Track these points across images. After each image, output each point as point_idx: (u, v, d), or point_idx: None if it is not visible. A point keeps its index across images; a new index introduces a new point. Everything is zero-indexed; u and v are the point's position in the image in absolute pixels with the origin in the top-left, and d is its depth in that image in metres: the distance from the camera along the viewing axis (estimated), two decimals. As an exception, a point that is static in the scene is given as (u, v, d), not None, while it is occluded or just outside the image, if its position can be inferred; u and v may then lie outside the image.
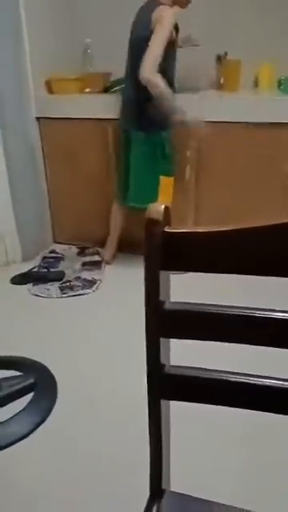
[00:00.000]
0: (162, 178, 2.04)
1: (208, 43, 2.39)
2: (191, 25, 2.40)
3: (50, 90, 2.37)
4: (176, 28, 1.88)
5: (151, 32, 1.75)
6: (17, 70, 2.16)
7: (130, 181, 2.08)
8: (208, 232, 0.53)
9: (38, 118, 2.37)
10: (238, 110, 2.05)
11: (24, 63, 2.20)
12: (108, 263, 2.39)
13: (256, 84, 2.40)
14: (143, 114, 1.92)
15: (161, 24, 1.73)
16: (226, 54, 2.37)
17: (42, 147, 2.45)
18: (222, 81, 2.35)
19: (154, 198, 2.01)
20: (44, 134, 2.42)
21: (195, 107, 1.98)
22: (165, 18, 1.74)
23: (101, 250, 2.47)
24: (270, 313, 0.53)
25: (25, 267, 2.35)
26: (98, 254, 2.48)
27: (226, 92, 2.27)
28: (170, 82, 1.88)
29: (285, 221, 0.49)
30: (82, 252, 2.51)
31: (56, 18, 2.36)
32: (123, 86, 2.03)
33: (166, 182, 2.04)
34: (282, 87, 2.20)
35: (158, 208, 0.54)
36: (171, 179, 2.06)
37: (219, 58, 2.39)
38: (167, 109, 1.85)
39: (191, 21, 2.40)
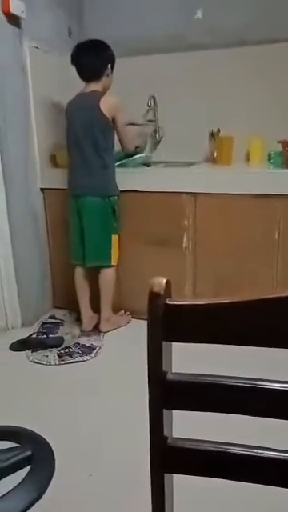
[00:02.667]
0: (113, 236, 2.27)
1: (201, 120, 2.60)
2: (187, 103, 2.64)
3: (55, 164, 2.52)
4: None
5: (105, 118, 2.10)
6: (25, 147, 2.32)
7: (87, 243, 2.25)
8: (208, 304, 0.56)
9: (42, 189, 2.50)
10: (231, 183, 2.17)
11: (31, 141, 2.38)
12: (86, 330, 2.39)
13: (248, 158, 2.56)
14: (103, 183, 2.20)
15: (119, 112, 2.14)
16: (218, 130, 2.55)
17: (46, 216, 2.55)
18: (215, 155, 2.50)
19: (108, 256, 2.27)
20: (48, 204, 2.53)
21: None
22: (118, 105, 2.14)
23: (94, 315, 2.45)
24: (275, 384, 0.54)
25: (24, 333, 2.35)
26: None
27: (219, 165, 2.41)
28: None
29: (283, 294, 0.53)
30: (80, 317, 2.51)
31: (60, 100, 2.56)
32: (78, 161, 2.20)
33: (116, 240, 2.28)
34: (271, 161, 2.34)
35: (160, 281, 0.57)
36: (117, 237, 2.31)
37: (212, 135, 2.57)
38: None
39: (186, 100, 2.64)
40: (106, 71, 2.16)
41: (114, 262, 2.29)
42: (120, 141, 2.23)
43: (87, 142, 2.13)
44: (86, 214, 2.22)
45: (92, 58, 2.13)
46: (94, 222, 2.22)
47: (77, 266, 2.36)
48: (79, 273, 2.37)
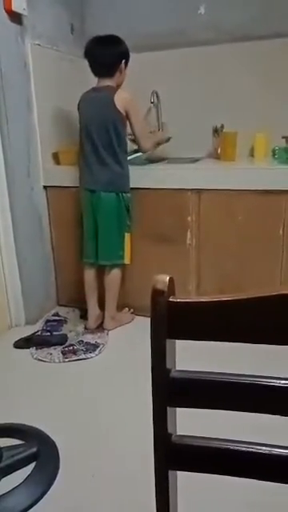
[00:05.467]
0: (126, 234, 2.26)
1: (204, 116, 2.59)
2: (190, 99, 2.63)
3: (57, 161, 2.52)
4: None
5: (119, 113, 2.08)
6: (27, 144, 2.32)
7: (101, 240, 2.23)
8: (211, 301, 0.55)
9: (45, 187, 2.50)
10: (236, 179, 2.16)
11: (34, 138, 2.37)
12: (91, 328, 2.38)
13: (252, 153, 2.54)
14: (117, 178, 2.17)
15: (133, 108, 2.13)
16: (222, 126, 2.53)
17: (49, 213, 2.55)
18: (219, 151, 2.49)
19: (121, 254, 2.25)
20: (51, 201, 2.53)
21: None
22: (132, 101, 2.12)
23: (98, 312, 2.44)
24: (280, 381, 0.54)
25: (28, 331, 2.35)
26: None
27: (223, 161, 2.40)
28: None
29: (283, 292, 0.52)
30: (85, 315, 2.52)
31: (62, 98, 2.55)
32: (91, 155, 2.16)
33: (128, 239, 2.26)
34: (276, 156, 2.33)
35: (163, 279, 0.57)
36: (130, 235, 2.29)
37: (216, 130, 2.55)
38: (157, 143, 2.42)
39: (189, 95, 2.63)
40: (119, 68, 2.12)
41: (127, 260, 2.28)
42: (135, 136, 2.20)
43: (100, 137, 2.11)
44: (101, 210, 2.19)
45: (105, 54, 2.09)
46: (109, 218, 2.19)
47: (87, 265, 2.34)
48: (89, 273, 2.35)
